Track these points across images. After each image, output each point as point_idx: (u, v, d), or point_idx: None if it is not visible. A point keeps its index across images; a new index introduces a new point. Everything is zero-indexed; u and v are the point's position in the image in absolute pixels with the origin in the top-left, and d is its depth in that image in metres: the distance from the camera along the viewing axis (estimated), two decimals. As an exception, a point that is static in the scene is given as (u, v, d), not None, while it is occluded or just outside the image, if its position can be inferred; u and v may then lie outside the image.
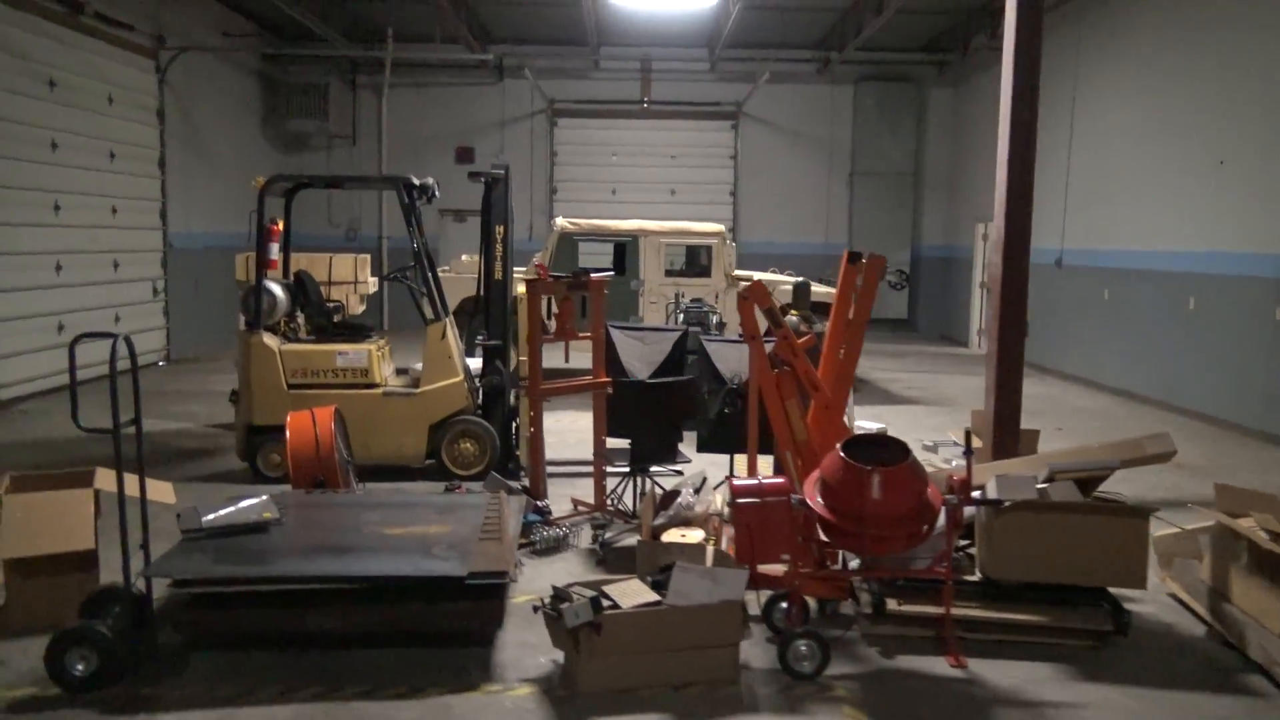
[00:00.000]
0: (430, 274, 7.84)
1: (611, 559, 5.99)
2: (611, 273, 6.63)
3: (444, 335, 7.79)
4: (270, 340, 7.62)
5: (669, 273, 12.41)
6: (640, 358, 6.90)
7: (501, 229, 7.89)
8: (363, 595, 4.63)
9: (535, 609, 4.51)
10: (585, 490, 7.13)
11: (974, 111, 18.64)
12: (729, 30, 16.26)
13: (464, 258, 13.03)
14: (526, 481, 6.87)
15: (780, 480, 4.72)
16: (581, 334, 6.68)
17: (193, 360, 14.72)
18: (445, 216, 19.87)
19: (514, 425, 7.99)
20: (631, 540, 6.17)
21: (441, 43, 17.53)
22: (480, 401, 7.93)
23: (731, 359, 6.78)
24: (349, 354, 7.69)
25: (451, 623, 4.69)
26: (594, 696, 4.25)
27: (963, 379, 14.07)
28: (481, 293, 8.02)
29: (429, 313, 7.82)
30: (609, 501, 6.78)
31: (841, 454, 4.42)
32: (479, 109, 19.79)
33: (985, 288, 18.08)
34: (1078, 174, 14.34)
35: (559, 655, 4.57)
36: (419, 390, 7.74)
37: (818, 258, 18.74)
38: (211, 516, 4.97)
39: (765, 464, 7.55)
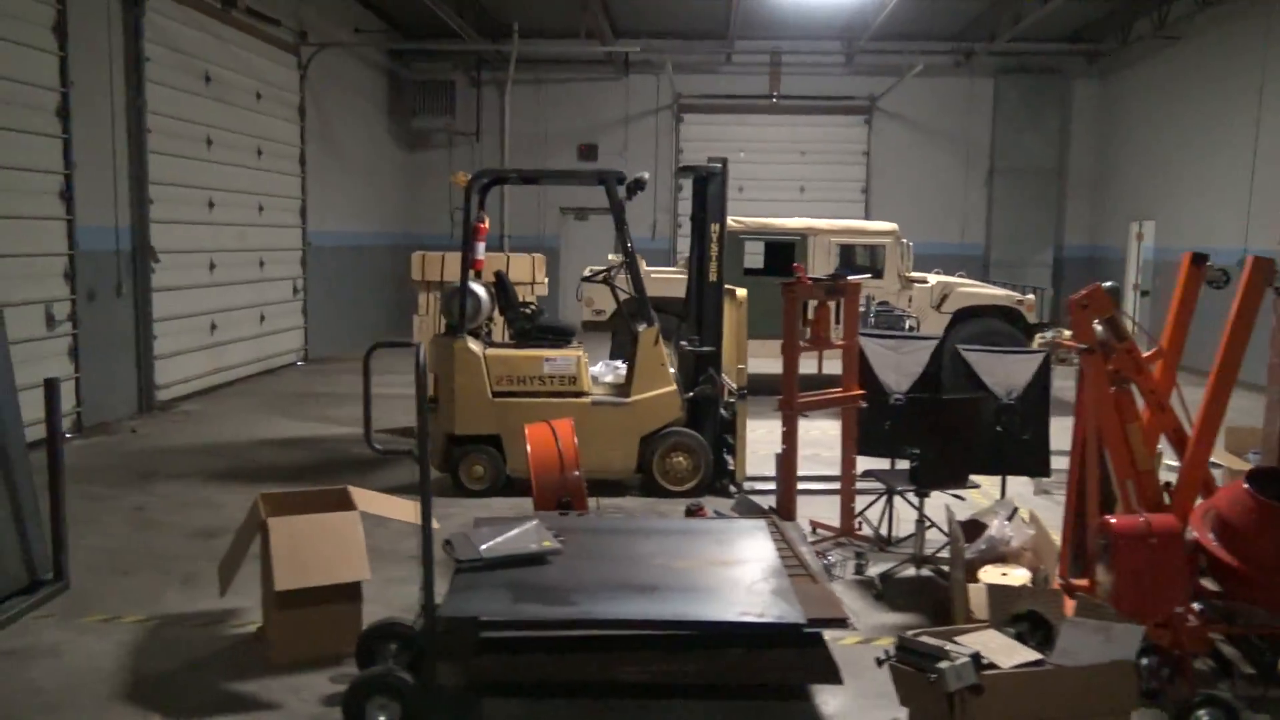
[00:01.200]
0: (638, 276, 7.31)
1: (890, 594, 5.37)
2: (869, 275, 6.01)
3: (656, 341, 7.25)
4: (475, 346, 7.14)
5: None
6: (895, 368, 6.27)
7: (716, 227, 7.32)
8: (671, 641, 4.08)
9: (880, 661, 3.91)
10: (817, 510, 6.53)
11: (1129, 104, 17.63)
12: (879, 22, 15.53)
13: (611, 258, 12.53)
14: (770, 502, 6.28)
15: (1168, 517, 4.06)
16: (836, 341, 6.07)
17: (330, 360, 14.46)
18: (567, 214, 19.44)
19: (727, 438, 7.43)
20: (909, 572, 5.56)
21: (578, 37, 17.07)
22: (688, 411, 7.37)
23: (997, 371, 6.12)
24: (556, 360, 7.19)
25: (775, 673, 4.12)
26: (965, 769, 3.63)
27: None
28: (691, 295, 7.47)
29: (640, 317, 7.29)
30: (857, 525, 6.18)
31: (1253, 491, 3.74)
32: (602, 105, 19.31)
33: (1140, 290, 17.09)
34: (1267, 167, 13.32)
35: (901, 714, 3.97)
36: (630, 400, 7.21)
37: (953, 258, 17.87)
38: (487, 545, 4.47)
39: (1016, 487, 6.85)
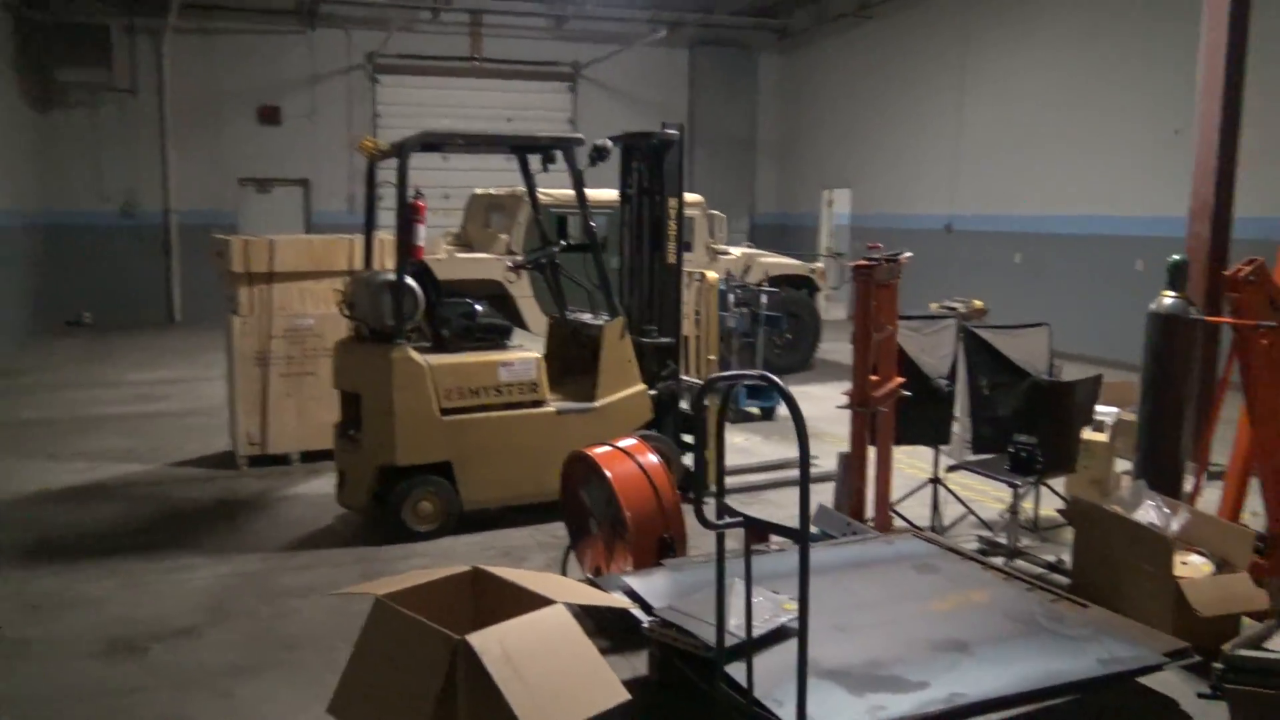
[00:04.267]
0: (601, 262, 6.26)
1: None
2: (910, 255, 5.52)
3: (623, 335, 6.26)
4: (416, 355, 5.71)
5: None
6: (926, 351, 5.88)
7: (675, 203, 6.46)
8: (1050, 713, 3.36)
9: (1215, 691, 3.51)
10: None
11: (820, 78, 18.70)
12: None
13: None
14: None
15: None
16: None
17: (-2, 376, 11.32)
18: (246, 186, 16.89)
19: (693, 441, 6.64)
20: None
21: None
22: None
23: (1018, 349, 5.96)
24: (514, 364, 5.96)
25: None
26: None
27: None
28: (639, 280, 6.56)
29: (604, 309, 6.27)
30: (894, 517, 5.75)
31: None
32: (285, 62, 16.94)
33: (832, 254, 18.28)
34: (973, 138, 14.69)
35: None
36: (597, 404, 6.17)
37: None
38: (732, 626, 3.44)
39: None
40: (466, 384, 5.82)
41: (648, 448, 4.84)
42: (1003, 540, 5.56)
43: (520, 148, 6.48)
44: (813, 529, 5.14)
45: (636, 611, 3.84)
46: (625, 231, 6.67)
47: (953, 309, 8.01)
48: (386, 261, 6.64)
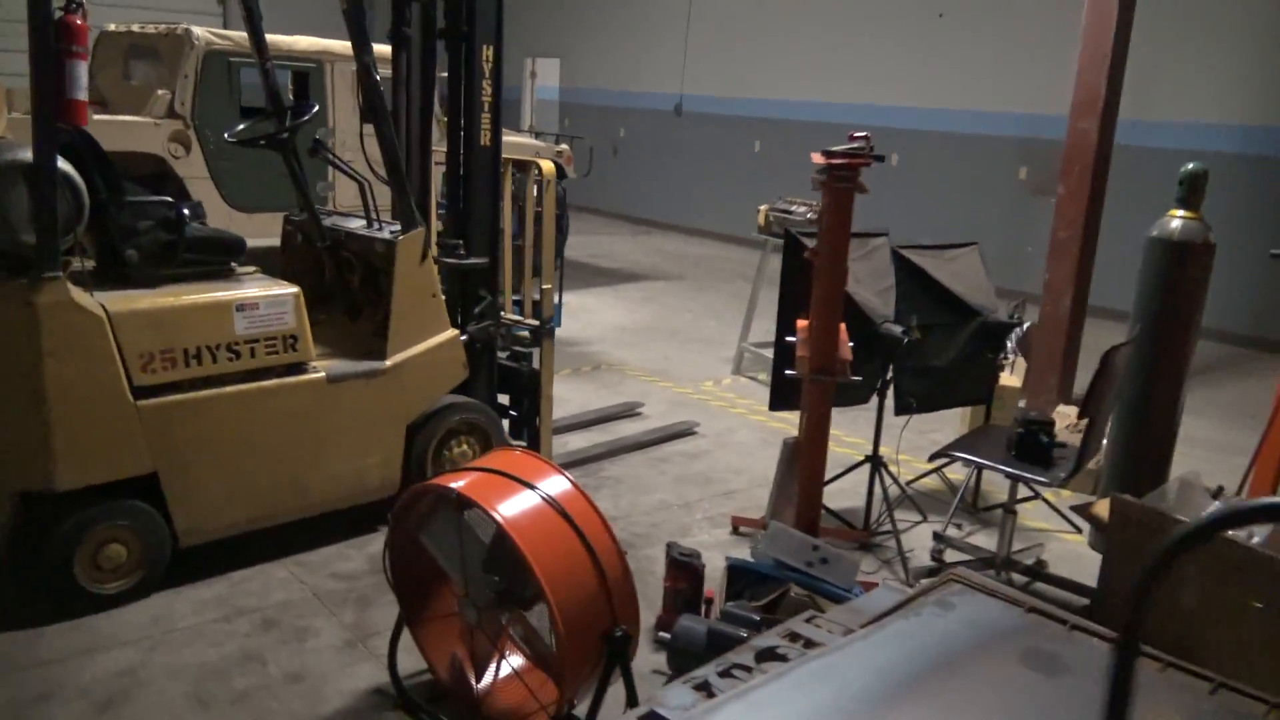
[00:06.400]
0: (392, 136, 4.01)
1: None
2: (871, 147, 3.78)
3: (425, 256, 4.10)
4: (81, 296, 3.25)
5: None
6: (863, 283, 4.30)
7: (490, 52, 4.30)
8: None
9: None
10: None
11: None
12: None
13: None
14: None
15: None
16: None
17: None
18: None
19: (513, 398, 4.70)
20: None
21: None
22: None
23: (955, 277, 4.56)
24: (259, 306, 3.64)
25: None
26: None
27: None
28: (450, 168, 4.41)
29: (397, 216, 4.06)
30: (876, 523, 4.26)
31: None
32: None
33: (534, 131, 16.33)
34: (707, 7, 13.22)
35: None
36: (387, 363, 4.02)
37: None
38: None
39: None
40: (177, 342, 3.45)
41: (548, 466, 2.87)
42: (982, 547, 4.21)
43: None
44: (761, 557, 3.48)
45: None
46: (404, 98, 4.42)
47: (787, 213, 6.51)
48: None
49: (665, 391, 6.35)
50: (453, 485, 2.72)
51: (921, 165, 10.73)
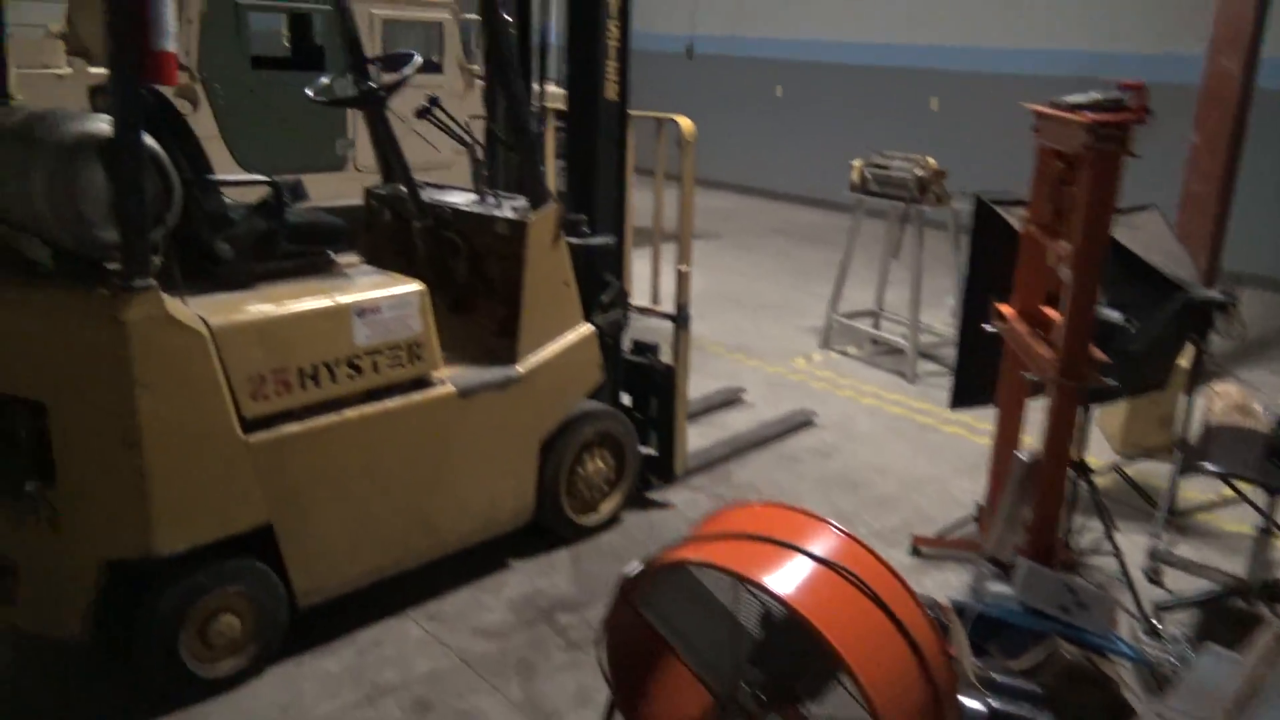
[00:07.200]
0: (524, 101, 3.30)
1: None
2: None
3: (557, 238, 3.41)
4: (182, 311, 2.53)
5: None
6: (1152, 248, 3.69)
7: (618, -9, 3.58)
8: None
9: None
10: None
11: None
12: None
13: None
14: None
15: None
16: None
17: None
18: None
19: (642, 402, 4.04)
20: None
21: None
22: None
23: (1146, 247, 3.95)
24: (381, 309, 2.94)
25: None
26: None
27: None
28: (568, 127, 3.70)
29: (528, 191, 3.35)
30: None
31: None
32: None
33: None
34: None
35: None
36: (520, 369, 3.34)
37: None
38: None
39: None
40: (291, 360, 2.75)
41: (811, 519, 2.24)
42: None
43: None
44: (1016, 604, 2.88)
45: None
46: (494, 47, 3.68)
47: (884, 169, 5.84)
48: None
49: (756, 372, 5.72)
50: (723, 563, 2.08)
51: (968, 111, 10.08)
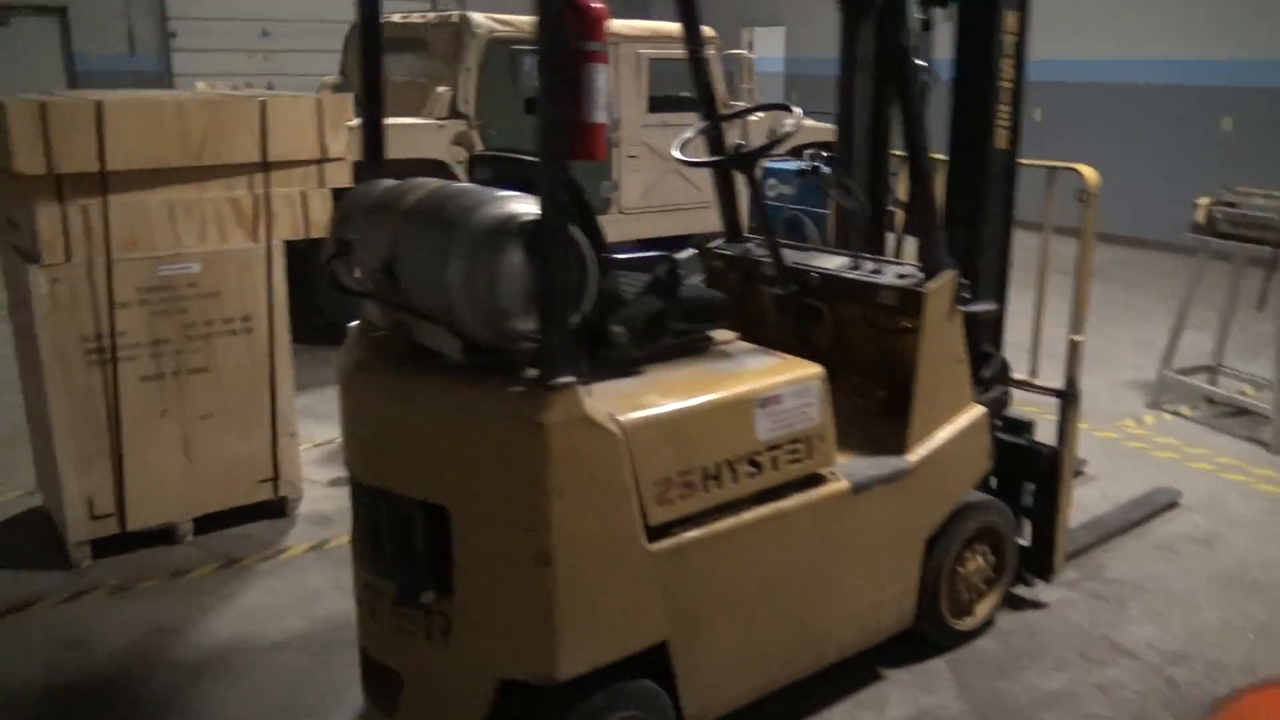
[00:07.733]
0: (925, 150, 2.93)
1: None
2: None
3: (953, 310, 3.00)
4: (596, 410, 2.26)
5: (655, 106, 7.59)
6: None
7: (1014, 19, 3.14)
8: None
9: None
10: None
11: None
12: None
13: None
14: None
15: None
16: None
17: None
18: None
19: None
20: None
21: None
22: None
23: None
24: (782, 400, 2.60)
25: None
26: None
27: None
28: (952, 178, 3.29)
29: (925, 255, 2.97)
30: None
31: None
32: None
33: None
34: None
35: None
36: (912, 458, 2.93)
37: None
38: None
39: None
40: (695, 460, 2.44)
41: None
42: None
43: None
44: None
45: None
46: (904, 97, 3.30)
47: (1236, 207, 5.12)
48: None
49: (1086, 436, 5.03)
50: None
51: (1271, 132, 9.03)
